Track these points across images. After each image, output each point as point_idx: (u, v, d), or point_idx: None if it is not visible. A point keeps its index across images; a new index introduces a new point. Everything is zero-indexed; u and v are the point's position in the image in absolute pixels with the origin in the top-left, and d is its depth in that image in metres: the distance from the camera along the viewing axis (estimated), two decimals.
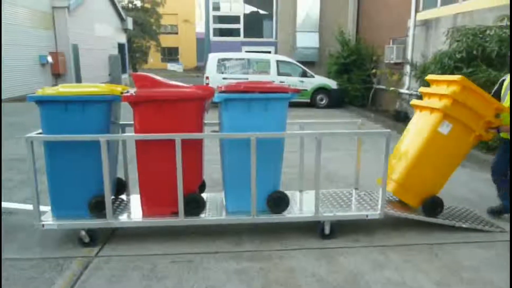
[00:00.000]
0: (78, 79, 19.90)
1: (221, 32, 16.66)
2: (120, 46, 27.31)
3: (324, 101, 13.58)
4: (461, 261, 3.35)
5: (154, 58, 51.08)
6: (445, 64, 7.43)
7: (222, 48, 15.54)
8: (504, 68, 6.73)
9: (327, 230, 3.65)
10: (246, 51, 15.79)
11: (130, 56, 39.93)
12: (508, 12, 6.80)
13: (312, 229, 3.74)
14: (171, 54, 51.99)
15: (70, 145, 3.32)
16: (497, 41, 6.73)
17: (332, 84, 13.60)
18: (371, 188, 4.38)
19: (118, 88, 3.53)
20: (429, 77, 4.19)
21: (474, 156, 6.69)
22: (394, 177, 3.87)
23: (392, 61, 11.71)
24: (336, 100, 13.54)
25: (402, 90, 11.09)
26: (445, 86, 3.78)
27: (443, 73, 7.50)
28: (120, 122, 3.90)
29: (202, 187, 4.00)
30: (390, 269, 3.23)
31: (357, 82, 13.31)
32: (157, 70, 46.46)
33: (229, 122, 3.48)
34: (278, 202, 3.63)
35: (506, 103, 3.92)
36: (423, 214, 3.83)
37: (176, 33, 50.03)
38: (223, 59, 13.35)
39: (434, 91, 3.88)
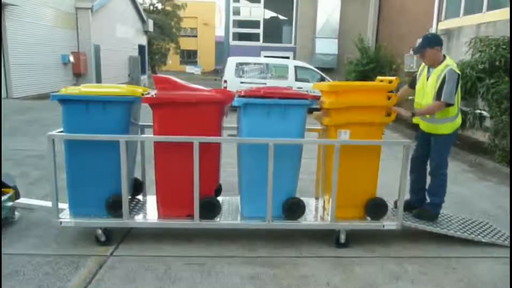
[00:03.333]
0: (98, 79, 20.25)
1: (240, 37, 16.74)
2: (140, 48, 27.70)
3: None
4: (479, 276, 3.27)
5: (173, 60, 51.66)
6: (467, 74, 7.30)
7: (241, 52, 15.60)
8: None
9: (342, 239, 3.61)
10: (265, 56, 15.82)
11: (149, 57, 40.58)
12: None
13: (327, 237, 3.71)
14: (190, 56, 52.48)
15: (90, 144, 3.37)
16: None
17: None
18: (387, 197, 4.31)
19: (138, 90, 3.57)
20: (316, 86, 3.87)
21: (497, 169, 6.56)
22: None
23: (412, 70, 11.56)
24: None
25: None
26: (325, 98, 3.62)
27: (465, 84, 7.38)
28: (140, 123, 3.94)
29: (218, 190, 4.01)
30: (405, 281, 3.17)
31: None
32: (176, 72, 46.90)
33: (248, 127, 3.48)
34: (294, 208, 3.61)
35: (418, 86, 3.84)
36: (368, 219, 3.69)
37: (196, 36, 50.49)
38: (242, 63, 13.41)
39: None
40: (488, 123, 7.38)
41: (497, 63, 7.06)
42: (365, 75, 13.47)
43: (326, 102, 3.45)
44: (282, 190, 3.58)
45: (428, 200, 4.07)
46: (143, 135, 3.93)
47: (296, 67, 13.41)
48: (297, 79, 13.21)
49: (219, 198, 3.86)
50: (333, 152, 3.41)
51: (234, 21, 16.59)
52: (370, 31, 15.09)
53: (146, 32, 28.84)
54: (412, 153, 4.09)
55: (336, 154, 3.40)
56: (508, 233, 3.98)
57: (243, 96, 3.47)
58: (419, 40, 3.78)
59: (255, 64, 13.50)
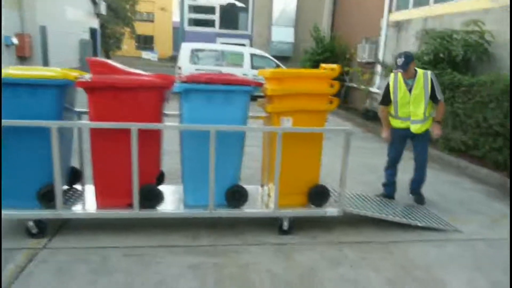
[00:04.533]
0: (46, 63, 19.14)
1: (196, 22, 16.40)
2: (92, 31, 26.48)
3: None
4: (414, 259, 3.40)
5: (128, 46, 49.99)
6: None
7: (197, 38, 15.30)
8: (468, 72, 6.89)
9: (285, 226, 3.63)
10: (221, 43, 15.62)
11: (103, 42, 38.96)
12: (475, 17, 6.97)
13: (271, 224, 3.71)
14: (146, 42, 50.96)
15: (19, 131, 3.15)
16: (463, 45, 6.87)
17: None
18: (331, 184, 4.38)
19: (73, 73, 3.37)
20: (261, 73, 3.73)
21: (439, 157, 6.86)
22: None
23: (364, 60, 11.83)
24: None
25: (372, 89, 11.22)
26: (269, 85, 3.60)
27: None
28: (77, 109, 3.74)
29: (161, 178, 3.90)
30: (345, 266, 3.24)
31: None
32: (131, 58, 45.45)
33: (189, 113, 3.39)
34: (237, 196, 3.57)
35: (401, 99, 4.25)
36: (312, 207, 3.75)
37: (152, 21, 49.01)
38: (197, 50, 13.15)
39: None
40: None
41: (441, 55, 7.34)
42: (320, 64, 13.61)
43: (269, 89, 3.42)
44: (225, 178, 3.54)
45: (416, 187, 4.70)
46: (77, 122, 3.73)
47: (251, 55, 13.33)
48: (253, 67, 13.13)
49: (162, 187, 3.76)
50: (276, 139, 3.40)
51: (190, 6, 16.20)
52: (325, 20, 15.24)
53: (98, 14, 27.61)
54: (392, 153, 4.62)
55: (279, 142, 3.39)
56: (446, 218, 4.18)
57: (185, 82, 3.36)
58: (400, 59, 4.13)
59: (210, 50, 13.29)
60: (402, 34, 10.35)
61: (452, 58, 7.11)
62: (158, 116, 3.43)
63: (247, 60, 13.18)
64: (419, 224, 3.88)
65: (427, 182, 5.51)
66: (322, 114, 3.57)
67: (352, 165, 6.22)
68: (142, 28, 48.35)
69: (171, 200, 3.69)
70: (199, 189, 3.50)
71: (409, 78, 4.21)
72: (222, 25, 16.40)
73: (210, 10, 16.33)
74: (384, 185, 4.66)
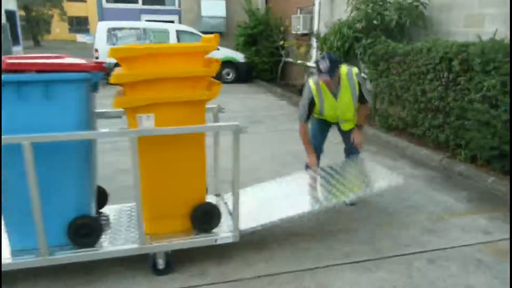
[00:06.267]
0: None
1: None
2: (10, 14, 23.70)
3: (231, 76, 12.51)
4: None
5: (60, 29, 46.28)
6: (345, 34, 6.66)
7: (118, 16, 13.70)
8: (403, 39, 6.11)
9: (161, 264, 2.62)
10: (146, 20, 14.10)
11: (28, 26, 35.56)
12: None
13: (145, 261, 2.69)
14: (80, 24, 47.37)
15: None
16: (396, 9, 6.05)
17: (239, 57, 12.54)
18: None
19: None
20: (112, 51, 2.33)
21: (376, 136, 6.09)
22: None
23: (299, 32, 10.88)
24: (244, 74, 12.54)
25: (309, 64, 10.34)
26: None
27: (343, 44, 6.76)
28: None
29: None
30: None
31: (265, 55, 12.38)
32: (64, 42, 42.18)
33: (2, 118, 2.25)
34: (84, 231, 2.50)
35: (327, 105, 3.54)
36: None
37: (85, 1, 45.41)
38: (114, 29, 11.64)
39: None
40: (369, 84, 6.91)
41: (374, 21, 6.49)
42: (254, 39, 12.57)
43: (114, 75, 2.32)
44: (64, 209, 2.45)
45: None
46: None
47: (178, 32, 12.00)
48: None
49: None
50: (131, 147, 2.34)
51: None
52: None
53: None
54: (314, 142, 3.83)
55: (133, 149, 2.34)
56: (380, 221, 3.35)
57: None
58: (325, 63, 3.26)
59: (130, 29, 11.81)
60: (336, 1, 9.47)
61: (385, 25, 6.28)
62: None
63: (173, 38, 11.86)
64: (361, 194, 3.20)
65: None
66: (198, 105, 2.53)
67: (277, 153, 5.43)
68: (74, 9, 44.81)
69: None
70: (26, 228, 2.40)
71: (334, 85, 3.44)
72: (146, 1, 14.79)
73: None
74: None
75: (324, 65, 3.24)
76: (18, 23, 26.04)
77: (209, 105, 2.97)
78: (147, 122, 2.43)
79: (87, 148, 2.49)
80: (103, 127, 2.63)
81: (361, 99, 3.55)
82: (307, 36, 10.76)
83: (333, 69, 3.26)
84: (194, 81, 2.45)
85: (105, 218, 2.89)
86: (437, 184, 4.37)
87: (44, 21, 38.06)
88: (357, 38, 6.57)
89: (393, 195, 4.00)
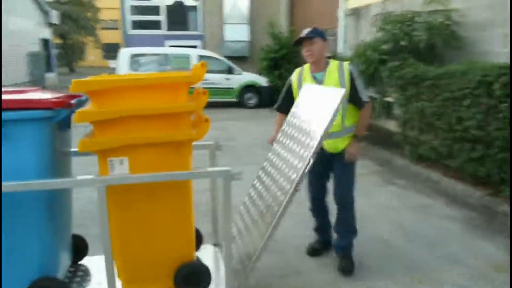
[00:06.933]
0: None
1: (141, 25, 14.83)
2: (44, 42, 24.61)
3: (253, 101, 12.19)
4: None
5: (95, 55, 47.94)
6: (369, 57, 6.19)
7: (143, 42, 13.79)
8: (434, 61, 5.57)
9: None
10: (170, 46, 14.12)
11: (64, 53, 37.00)
12: None
13: None
14: (112, 50, 48.96)
15: None
16: (425, 28, 5.55)
17: (262, 81, 12.24)
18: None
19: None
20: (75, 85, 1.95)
21: (406, 168, 5.51)
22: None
23: (331, 54, 10.49)
24: (267, 99, 12.19)
25: None
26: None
27: (367, 67, 6.28)
28: None
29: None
30: None
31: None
32: (98, 68, 43.59)
33: None
34: None
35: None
36: None
37: (117, 28, 47.04)
38: (137, 55, 11.66)
39: None
40: (397, 110, 6.36)
41: (402, 42, 6.00)
42: (277, 63, 12.26)
43: (78, 113, 1.95)
44: (24, 269, 2.07)
45: (340, 244, 3.01)
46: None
47: (200, 57, 11.86)
48: None
49: None
50: (99, 197, 1.95)
51: (132, 7, 14.64)
52: (283, 14, 13.89)
53: (50, 24, 25.78)
54: (310, 189, 3.13)
55: (101, 200, 1.94)
56: (406, 278, 2.78)
57: None
58: (306, 30, 2.84)
59: (152, 55, 11.79)
60: (361, 22, 9.04)
61: (414, 46, 5.77)
62: None
63: (194, 63, 11.71)
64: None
65: (387, 206, 4.19)
66: (182, 146, 2.12)
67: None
68: (108, 37, 46.38)
69: None
70: None
71: (318, 70, 2.86)
72: (170, 27, 14.86)
73: (154, 10, 14.78)
74: (316, 229, 3.25)
75: (306, 31, 2.80)
76: (52, 50, 27.11)
77: (205, 141, 2.58)
78: (120, 168, 2.04)
79: (52, 199, 2.12)
80: (91, 165, 2.25)
81: (355, 99, 2.74)
82: (331, 58, 10.35)
83: (311, 33, 2.76)
84: (176, 118, 2.05)
85: (81, 273, 2.49)
86: (477, 228, 3.75)
87: (79, 49, 39.45)
88: (383, 60, 6.08)
89: (424, 240, 3.43)
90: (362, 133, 2.86)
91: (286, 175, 2.36)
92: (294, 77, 2.97)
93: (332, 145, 2.83)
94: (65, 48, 37.11)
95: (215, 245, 2.86)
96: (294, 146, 2.49)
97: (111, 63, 44.31)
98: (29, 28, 22.43)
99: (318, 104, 2.52)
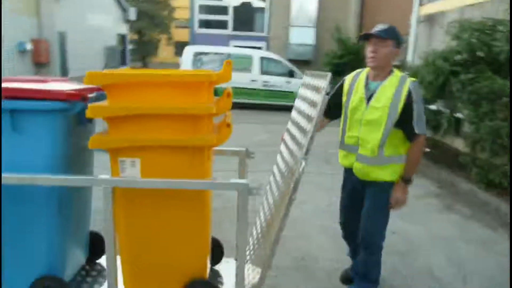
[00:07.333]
0: (64, 70, 18.66)
1: (208, 24, 15.05)
2: (121, 37, 26.04)
3: None
4: None
5: (167, 52, 50.06)
6: (439, 67, 5.62)
7: (208, 41, 13.98)
8: None
9: None
10: (234, 46, 14.17)
11: (140, 48, 39.00)
12: None
13: None
14: (183, 48, 50.80)
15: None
16: (508, 39, 4.89)
17: None
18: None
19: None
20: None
21: (472, 193, 4.90)
22: None
23: (397, 63, 9.88)
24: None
25: None
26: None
27: (436, 78, 5.71)
28: None
29: None
30: None
31: None
32: (169, 64, 45.48)
33: None
34: None
35: (351, 109, 2.42)
36: None
37: (187, 27, 48.71)
38: (200, 53, 11.80)
39: None
40: (467, 127, 5.72)
41: (479, 53, 5.38)
42: (341, 69, 11.79)
43: (91, 108, 1.81)
44: (27, 264, 1.99)
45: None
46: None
47: (262, 58, 11.75)
48: (262, 72, 11.58)
49: None
50: (105, 198, 1.80)
51: (200, 6, 14.90)
52: (352, 19, 13.37)
53: (128, 21, 27.23)
54: (341, 211, 2.72)
55: (107, 201, 1.79)
56: None
57: None
58: (382, 26, 2.33)
59: (215, 54, 11.86)
60: (435, 31, 8.36)
61: (493, 57, 5.13)
62: None
63: (256, 64, 11.63)
64: None
65: (444, 237, 3.72)
66: (199, 152, 1.91)
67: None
68: (179, 35, 48.16)
69: None
70: None
71: (377, 79, 2.37)
72: (236, 27, 14.92)
73: (222, 10, 14.92)
74: (350, 255, 2.83)
75: (380, 26, 2.31)
76: (128, 46, 28.63)
77: (235, 146, 2.37)
78: (131, 169, 1.88)
79: (64, 195, 2.01)
80: None
81: (405, 126, 2.26)
82: (399, 68, 9.71)
83: (385, 33, 2.26)
84: (194, 121, 1.85)
85: (94, 273, 2.38)
86: None
87: (153, 45, 41.33)
88: (455, 72, 5.49)
89: (482, 282, 2.94)
90: (411, 175, 2.35)
91: (286, 180, 2.04)
92: (348, 79, 2.52)
93: (362, 171, 2.38)
94: (140, 44, 39.07)
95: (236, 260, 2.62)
96: (293, 146, 2.15)
97: (180, 60, 46.12)
98: (108, 24, 23.85)
99: (309, 96, 2.17)
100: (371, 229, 2.43)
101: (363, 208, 2.46)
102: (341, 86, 2.54)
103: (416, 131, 2.24)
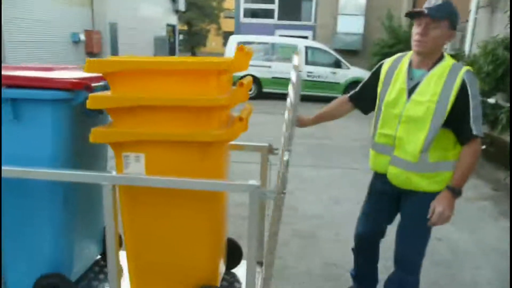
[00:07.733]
0: None
1: (253, 13, 14.83)
2: (171, 28, 26.51)
3: None
4: None
5: (216, 42, 50.50)
6: (499, 56, 5.07)
7: (253, 31, 13.77)
8: None
9: None
10: (280, 35, 13.88)
11: (187, 39, 39.62)
12: None
13: None
14: None
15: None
16: None
17: None
18: None
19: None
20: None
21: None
22: None
23: (452, 53, 9.19)
24: None
25: None
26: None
27: (495, 69, 5.17)
28: None
29: None
30: None
31: None
32: (217, 54, 45.96)
33: None
34: None
35: (387, 102, 1.99)
36: None
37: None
38: (244, 43, 11.60)
39: None
40: None
41: None
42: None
43: (92, 98, 1.67)
44: (31, 260, 1.92)
45: None
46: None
47: (307, 48, 11.39)
48: (307, 62, 11.23)
49: None
50: (105, 196, 1.67)
51: None
52: (405, 5, 12.61)
53: (177, 11, 27.65)
54: (360, 221, 2.29)
55: (107, 198, 1.65)
56: None
57: None
58: (432, 1, 1.86)
59: (259, 43, 11.64)
60: (497, 17, 7.63)
61: None
62: None
63: (301, 54, 11.29)
64: None
65: (495, 248, 3.33)
66: (210, 148, 1.72)
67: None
68: (228, 25, 48.36)
69: None
70: None
71: (422, 66, 1.93)
72: (282, 16, 14.59)
73: None
74: (353, 276, 2.45)
75: (433, 1, 1.84)
76: (177, 36, 29.12)
77: (259, 141, 2.18)
78: (136, 165, 1.73)
79: (71, 190, 1.91)
80: None
81: (458, 126, 1.84)
82: (454, 57, 9.01)
83: (443, 10, 1.81)
84: (203, 114, 1.66)
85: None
86: None
87: (202, 35, 41.83)
88: None
89: None
90: (462, 185, 1.88)
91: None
92: (387, 63, 2.13)
93: (399, 177, 1.96)
94: (190, 34, 39.68)
95: (258, 263, 2.43)
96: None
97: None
98: (157, 15, 24.33)
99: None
100: (411, 247, 2.05)
101: (400, 224, 2.09)
102: (377, 72, 2.14)
103: (474, 132, 1.80)
